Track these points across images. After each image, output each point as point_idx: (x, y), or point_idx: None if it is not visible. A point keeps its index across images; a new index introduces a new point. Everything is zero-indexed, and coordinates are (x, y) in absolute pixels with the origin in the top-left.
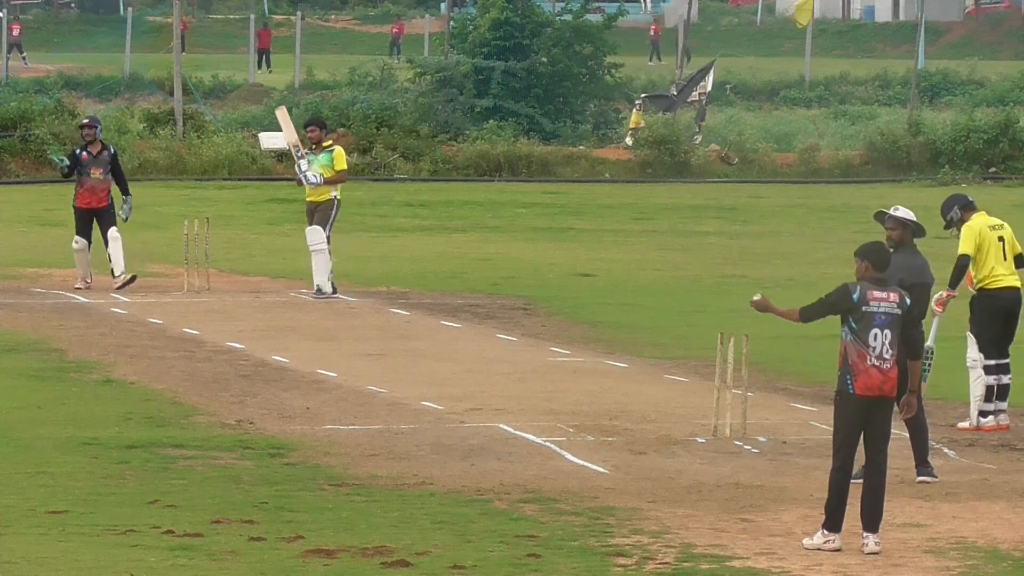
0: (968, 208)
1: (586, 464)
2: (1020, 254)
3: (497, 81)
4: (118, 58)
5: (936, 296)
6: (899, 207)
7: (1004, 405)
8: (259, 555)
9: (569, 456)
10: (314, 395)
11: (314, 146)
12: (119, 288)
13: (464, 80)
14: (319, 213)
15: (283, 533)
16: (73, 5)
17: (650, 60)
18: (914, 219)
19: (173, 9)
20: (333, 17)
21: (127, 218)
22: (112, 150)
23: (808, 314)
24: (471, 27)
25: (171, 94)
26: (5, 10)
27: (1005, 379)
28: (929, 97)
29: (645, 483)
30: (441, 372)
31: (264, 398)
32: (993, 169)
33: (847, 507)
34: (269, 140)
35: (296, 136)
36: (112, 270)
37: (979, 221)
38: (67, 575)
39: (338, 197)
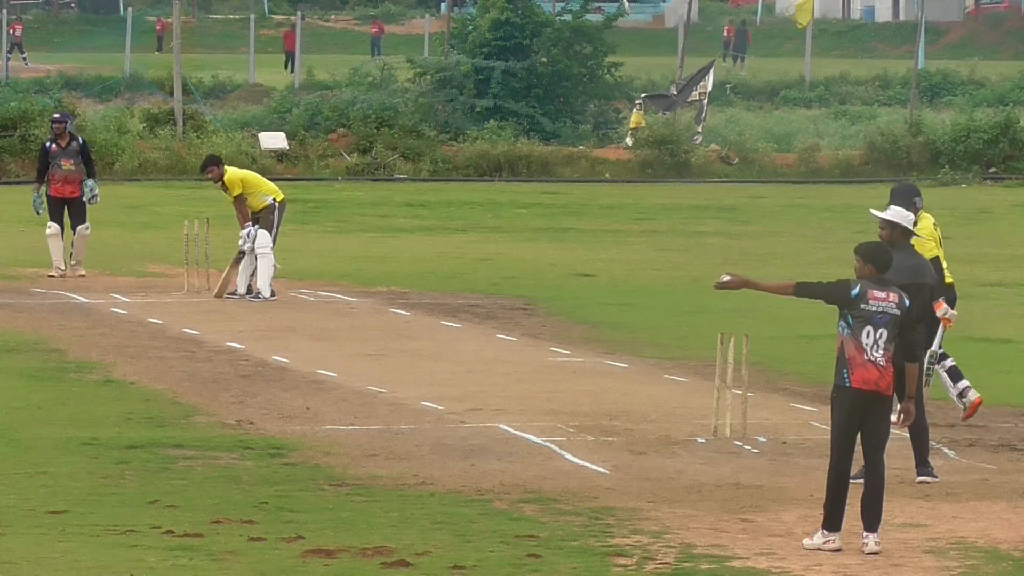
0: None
1: (586, 464)
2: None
3: (497, 81)
4: (118, 58)
5: (943, 314)
6: (891, 207)
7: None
8: (259, 555)
9: (569, 456)
10: (314, 395)
11: (221, 184)
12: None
13: (464, 80)
14: (261, 221)
15: (283, 533)
16: (73, 5)
17: (723, 60)
18: (902, 220)
19: (173, 9)
20: (333, 17)
21: (92, 197)
22: (81, 140)
23: (803, 290)
24: (471, 27)
25: (171, 94)
26: (5, 10)
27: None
28: (929, 97)
29: (645, 483)
30: (441, 372)
31: (264, 398)
32: (993, 169)
33: (847, 507)
34: (269, 140)
35: (234, 276)
36: (72, 256)
37: (929, 222)
38: (67, 575)
39: (275, 201)
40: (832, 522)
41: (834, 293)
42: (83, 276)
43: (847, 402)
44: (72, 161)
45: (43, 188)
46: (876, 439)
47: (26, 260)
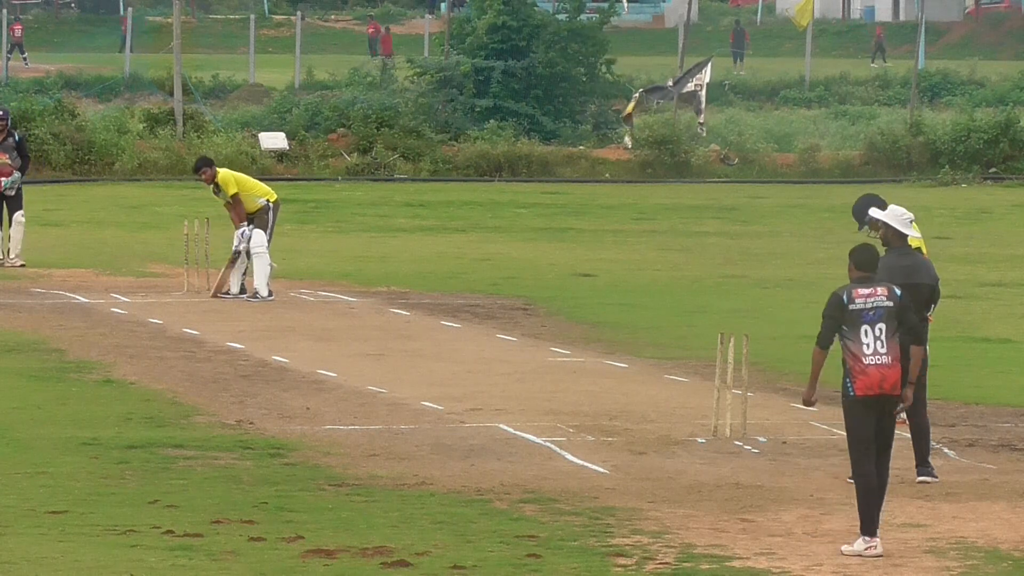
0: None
1: (586, 464)
2: None
3: (497, 81)
4: (118, 58)
5: None
6: (891, 206)
7: None
8: (259, 555)
9: (569, 456)
10: (314, 395)
11: (213, 186)
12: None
13: (464, 80)
14: (256, 221)
15: (283, 533)
16: (73, 5)
17: (872, 61)
18: (894, 220)
19: (173, 9)
20: (333, 17)
21: (8, 188)
22: (17, 136)
23: (823, 340)
24: (468, 28)
25: (171, 94)
26: (5, 10)
27: None
28: (929, 97)
29: (645, 483)
30: (441, 372)
31: (264, 398)
32: (993, 169)
33: (862, 509)
34: (269, 140)
35: (228, 276)
36: (9, 250)
37: None
38: (67, 575)
39: (268, 202)
40: (869, 526)
41: (837, 312)
42: (23, 266)
43: (855, 410)
44: (8, 155)
45: None
46: (883, 438)
47: (27, 260)
